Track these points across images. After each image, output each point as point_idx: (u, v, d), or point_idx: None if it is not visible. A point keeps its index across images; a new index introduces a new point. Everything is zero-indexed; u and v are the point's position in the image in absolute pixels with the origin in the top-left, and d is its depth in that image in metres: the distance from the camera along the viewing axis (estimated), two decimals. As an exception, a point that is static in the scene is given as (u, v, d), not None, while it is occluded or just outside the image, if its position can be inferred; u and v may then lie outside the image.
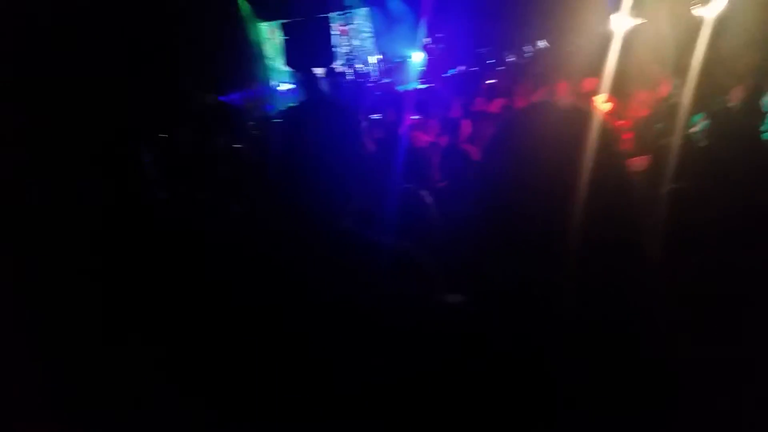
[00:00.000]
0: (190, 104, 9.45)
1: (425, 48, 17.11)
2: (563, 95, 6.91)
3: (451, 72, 15.33)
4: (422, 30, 16.66)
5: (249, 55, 15.39)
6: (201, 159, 6.25)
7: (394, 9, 18.78)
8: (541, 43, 15.55)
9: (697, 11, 6.08)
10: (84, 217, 3.40)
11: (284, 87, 16.28)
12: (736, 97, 5.29)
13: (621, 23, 6.38)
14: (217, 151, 6.65)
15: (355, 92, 12.75)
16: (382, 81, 17.35)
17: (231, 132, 8.31)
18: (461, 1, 15.77)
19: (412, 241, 1.96)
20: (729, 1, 5.79)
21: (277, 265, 1.92)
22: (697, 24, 5.85)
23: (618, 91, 5.90)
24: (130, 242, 3.39)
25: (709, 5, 5.74)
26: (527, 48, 15.74)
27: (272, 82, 16.47)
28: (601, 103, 5.95)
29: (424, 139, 6.28)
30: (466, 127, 5.97)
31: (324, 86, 15.50)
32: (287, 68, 16.95)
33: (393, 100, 9.35)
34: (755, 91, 5.23)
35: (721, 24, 5.79)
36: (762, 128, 5.06)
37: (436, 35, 17.07)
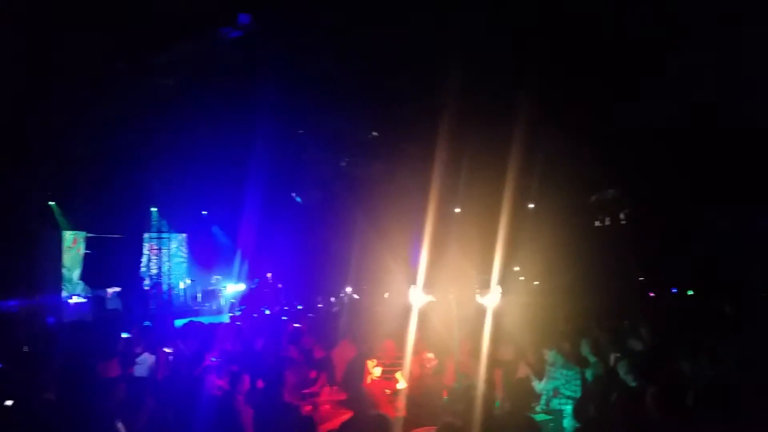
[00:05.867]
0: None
1: (240, 281, 17.35)
2: (360, 351, 7.21)
3: (262, 311, 15.39)
4: (239, 265, 17.07)
5: (42, 261, 14.18)
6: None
7: (213, 240, 19.21)
8: (351, 294, 16.66)
9: (481, 299, 7.06)
10: None
11: (75, 300, 14.91)
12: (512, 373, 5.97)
13: (417, 297, 7.20)
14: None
15: (153, 319, 12.04)
16: (189, 308, 16.81)
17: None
18: (281, 248, 16.76)
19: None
20: (503, 298, 6.82)
21: None
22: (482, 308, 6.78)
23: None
24: None
25: (489, 297, 6.69)
26: (335, 298, 16.62)
27: (62, 294, 15.06)
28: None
29: (213, 384, 5.96)
30: (246, 381, 5.85)
31: (118, 307, 14.50)
32: (82, 282, 15.75)
33: (192, 333, 8.96)
34: (535, 371, 5.98)
35: (500, 313, 6.79)
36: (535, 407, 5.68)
37: (253, 273, 17.52)
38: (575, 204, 13.88)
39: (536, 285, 11.74)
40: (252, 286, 17.46)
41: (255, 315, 14.30)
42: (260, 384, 6.17)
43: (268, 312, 15.10)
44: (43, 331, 10.43)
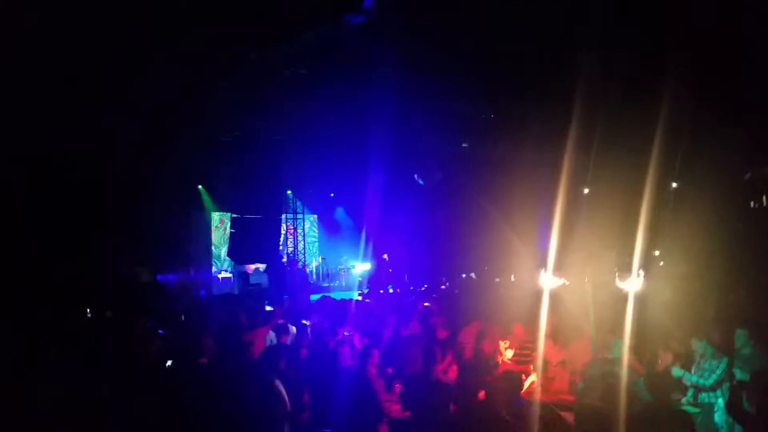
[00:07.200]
0: (123, 279, 9.31)
1: (367, 260, 17.92)
2: (488, 335, 7.15)
3: (389, 289, 15.80)
4: (365, 244, 17.61)
5: (194, 239, 15.60)
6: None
7: (341, 220, 20.04)
8: (473, 276, 16.56)
9: (621, 284, 6.67)
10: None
11: (223, 275, 16.31)
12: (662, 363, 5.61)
13: (548, 280, 6.94)
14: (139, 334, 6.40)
15: (291, 293, 12.88)
16: (320, 285, 17.70)
17: (158, 313, 8.07)
18: (406, 229, 17.00)
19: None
20: (645, 282, 6.36)
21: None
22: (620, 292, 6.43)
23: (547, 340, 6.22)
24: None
25: (630, 281, 6.31)
26: (460, 279, 16.58)
27: (212, 269, 16.52)
28: (505, 349, 6.23)
29: (347, 356, 6.24)
30: (375, 355, 6.02)
31: (261, 282, 15.58)
32: (228, 258, 17.14)
33: (326, 307, 9.44)
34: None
35: (642, 299, 6.39)
36: (679, 397, 5.31)
37: (379, 253, 18.00)
38: (727, 182, 12.56)
39: (682, 270, 10.87)
40: (379, 266, 17.94)
41: (381, 292, 14.75)
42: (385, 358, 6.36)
43: (392, 290, 15.50)
44: (196, 302, 11.50)
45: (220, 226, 17.33)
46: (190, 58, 9.27)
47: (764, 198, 12.98)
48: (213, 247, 16.99)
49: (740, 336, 5.27)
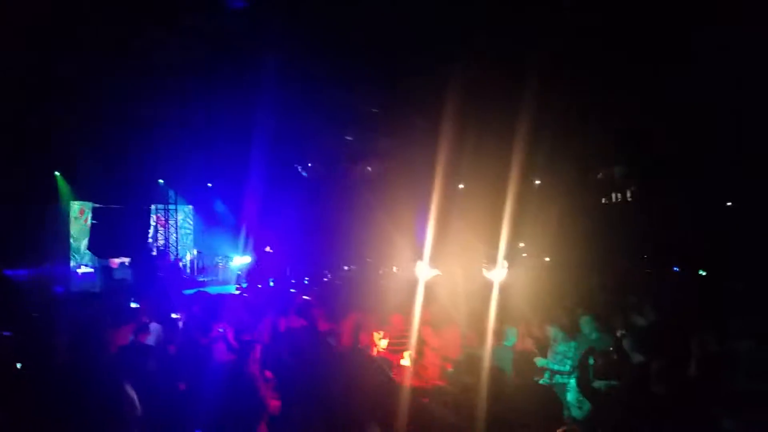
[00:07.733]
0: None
1: (246, 255, 17.42)
2: (367, 326, 7.23)
3: (269, 283, 15.47)
4: (245, 237, 17.13)
5: (49, 231, 14.24)
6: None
7: (219, 211, 19.29)
8: (354, 268, 16.72)
9: (487, 273, 7.10)
10: None
11: (83, 270, 15.04)
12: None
13: (423, 271, 7.19)
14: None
15: (159, 288, 12.13)
16: (195, 279, 16.95)
17: (5, 312, 7.31)
18: (288, 221, 16.77)
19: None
20: (510, 273, 6.83)
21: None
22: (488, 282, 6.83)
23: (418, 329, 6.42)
24: None
25: (495, 271, 6.73)
26: (340, 272, 16.66)
27: (70, 264, 15.19)
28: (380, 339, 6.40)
29: (222, 353, 6.01)
30: (257, 349, 5.87)
31: (126, 277, 14.57)
32: (90, 252, 15.84)
33: (200, 303, 9.03)
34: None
35: (506, 288, 6.84)
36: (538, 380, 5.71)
37: (259, 245, 17.58)
38: (582, 181, 13.78)
39: (546, 261, 11.77)
40: (259, 259, 17.53)
41: (260, 286, 14.41)
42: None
43: (272, 284, 15.20)
44: (52, 299, 10.52)
45: (80, 216, 15.95)
46: (55, 33, 8.50)
47: (613, 195, 14.39)
48: (72, 240, 15.62)
49: (585, 322, 5.79)
